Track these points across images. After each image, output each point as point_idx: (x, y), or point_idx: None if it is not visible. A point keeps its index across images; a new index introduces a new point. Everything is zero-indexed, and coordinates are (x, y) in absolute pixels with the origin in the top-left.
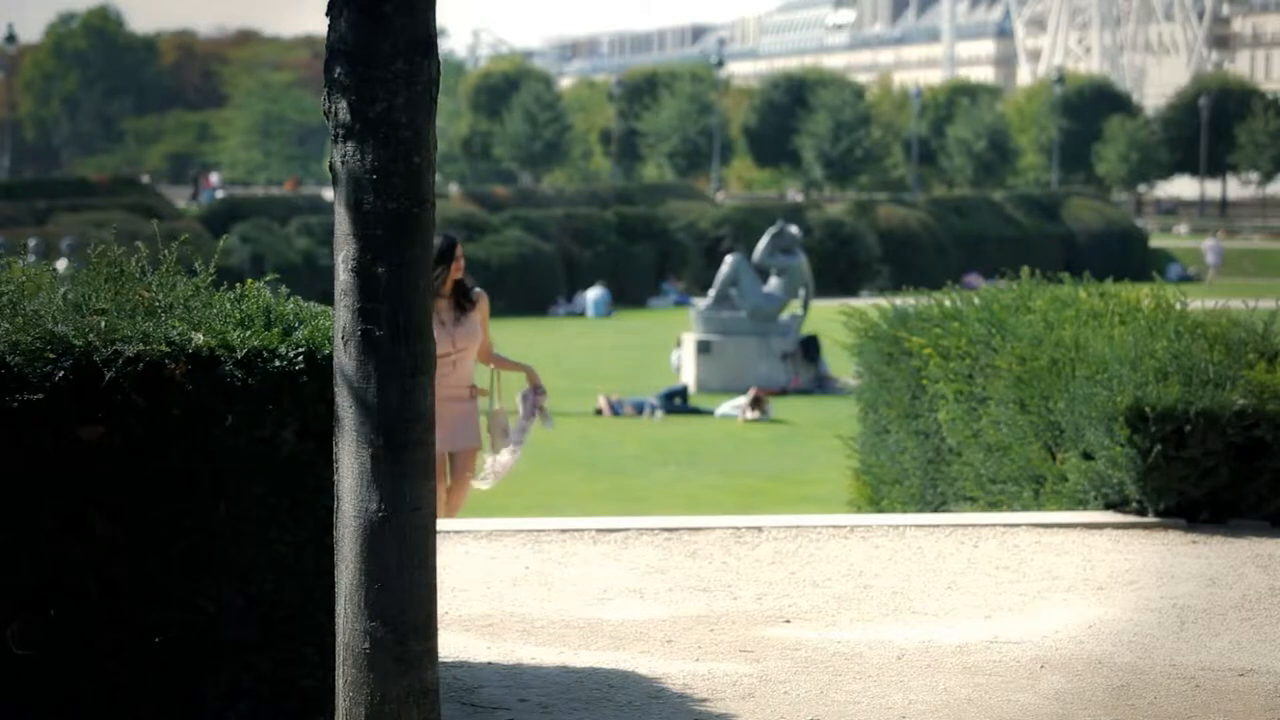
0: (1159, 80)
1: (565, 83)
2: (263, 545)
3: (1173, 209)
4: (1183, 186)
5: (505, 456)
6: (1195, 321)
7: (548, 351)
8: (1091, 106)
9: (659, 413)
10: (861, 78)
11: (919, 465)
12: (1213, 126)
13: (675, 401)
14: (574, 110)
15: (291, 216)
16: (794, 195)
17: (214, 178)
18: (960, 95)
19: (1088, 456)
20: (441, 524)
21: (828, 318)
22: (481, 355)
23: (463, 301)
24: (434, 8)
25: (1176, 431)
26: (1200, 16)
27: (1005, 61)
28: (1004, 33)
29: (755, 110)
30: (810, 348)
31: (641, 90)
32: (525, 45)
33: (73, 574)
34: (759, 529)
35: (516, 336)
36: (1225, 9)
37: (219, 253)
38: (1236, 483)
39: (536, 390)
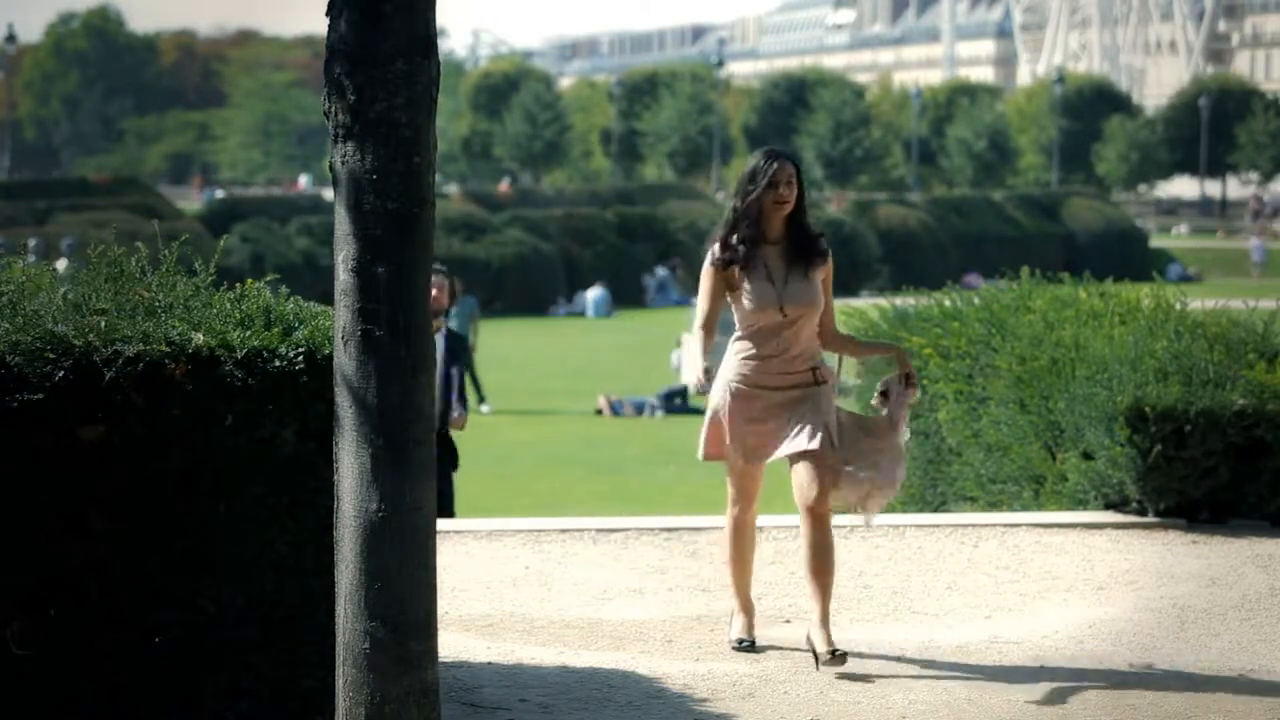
0: (1158, 80)
1: (565, 83)
2: (263, 545)
3: (1173, 209)
4: (1183, 186)
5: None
6: (1195, 321)
7: (548, 352)
8: (1091, 106)
9: (659, 412)
10: (861, 78)
11: (919, 465)
12: (1213, 126)
13: (675, 401)
14: (574, 110)
15: (292, 216)
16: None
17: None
18: (960, 95)
19: (1088, 456)
20: (441, 524)
21: None
22: (824, 330)
23: (805, 251)
24: (434, 8)
25: (1176, 431)
26: (1200, 17)
27: (1005, 61)
28: (1004, 33)
29: (755, 110)
30: None
31: (641, 90)
32: (525, 45)
33: (73, 574)
34: (759, 529)
35: (516, 336)
36: (1222, 17)
37: (219, 253)
38: (1237, 483)
39: (908, 380)
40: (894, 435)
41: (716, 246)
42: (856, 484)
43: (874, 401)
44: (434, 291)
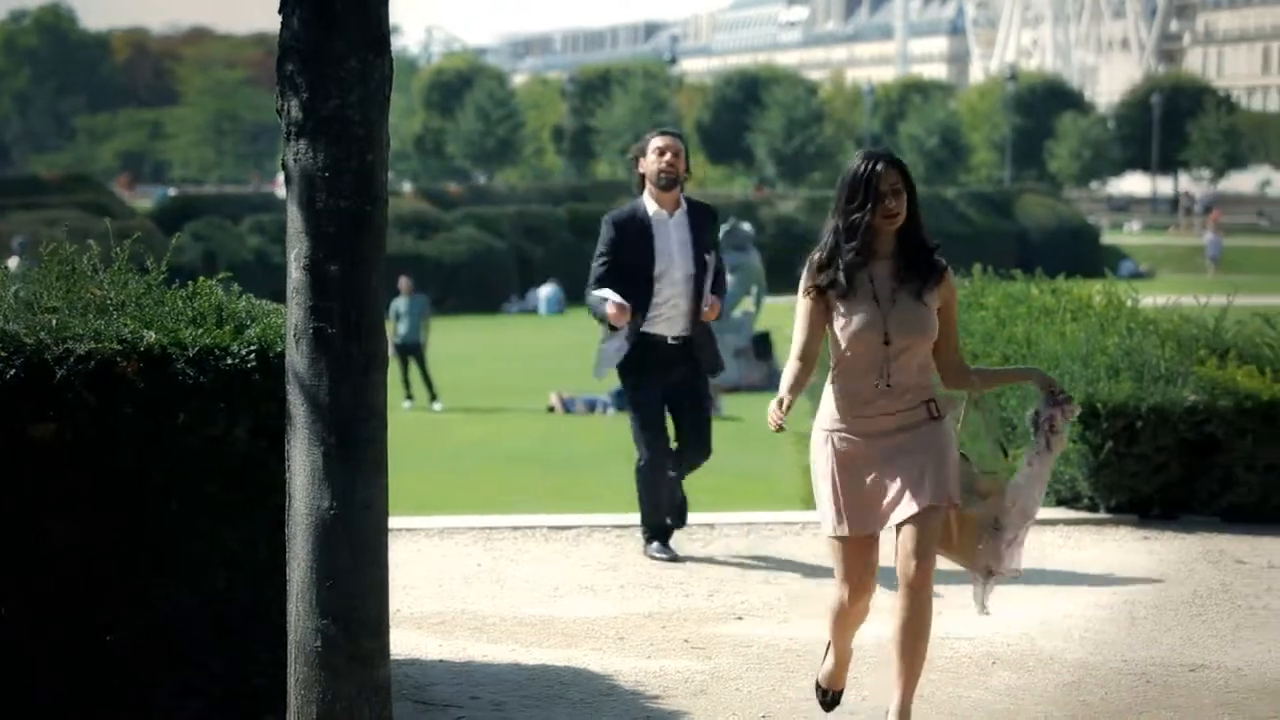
0: (1110, 77)
1: (518, 80)
2: (215, 543)
3: (1125, 206)
4: (1135, 184)
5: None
6: (1147, 318)
7: (500, 349)
8: (1044, 104)
9: (611, 410)
10: (814, 75)
11: None
12: (1165, 124)
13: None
14: (527, 107)
15: (244, 214)
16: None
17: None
18: (913, 92)
19: None
20: (393, 521)
21: (781, 315)
22: (943, 363)
23: (918, 268)
24: (387, 5)
25: (1128, 428)
26: (1152, 15)
27: (958, 59)
28: (957, 30)
29: (708, 107)
30: (763, 345)
31: (594, 87)
32: (478, 43)
33: (24, 572)
34: (711, 526)
35: (469, 334)
36: (1174, 15)
37: (171, 251)
38: (1188, 479)
39: (1057, 397)
40: (1041, 466)
41: (810, 270)
42: (997, 547)
43: (1028, 421)
44: (669, 156)
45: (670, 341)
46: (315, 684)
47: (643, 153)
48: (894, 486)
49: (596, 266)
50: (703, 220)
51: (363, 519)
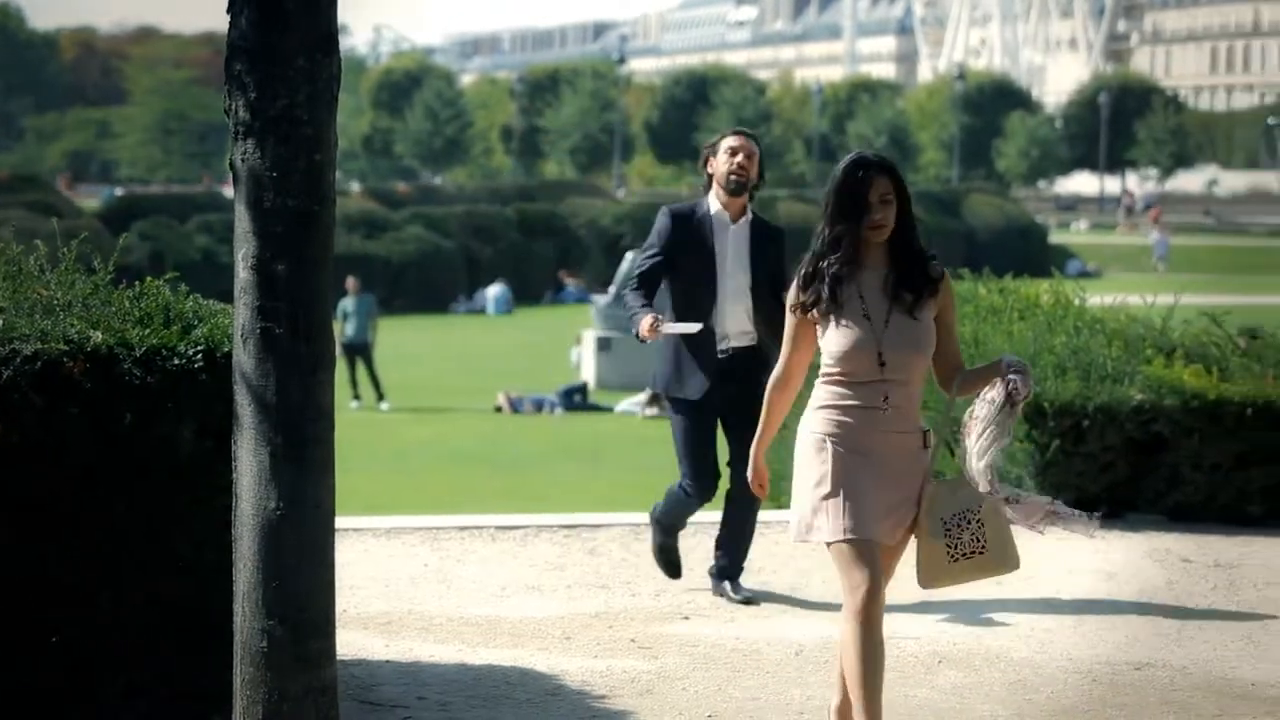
0: (1058, 77)
1: (467, 80)
2: (161, 544)
3: (1072, 205)
4: (1082, 183)
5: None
6: (1094, 317)
7: (448, 349)
8: (992, 103)
9: (559, 410)
10: (763, 74)
11: None
12: (1112, 123)
13: (575, 398)
14: (475, 107)
15: (191, 214)
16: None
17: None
18: (861, 92)
19: None
20: (340, 521)
21: None
22: (942, 368)
23: (911, 280)
24: (335, 5)
25: (1075, 426)
26: (1100, 14)
27: (906, 58)
28: (905, 29)
29: (657, 107)
30: None
31: (543, 87)
32: (427, 42)
33: None
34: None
35: (417, 334)
36: (1122, 16)
37: (118, 251)
38: (1134, 477)
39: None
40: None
41: (795, 285)
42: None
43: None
44: (741, 158)
45: (718, 355)
46: (261, 684)
47: (714, 151)
48: (887, 506)
49: (644, 259)
50: (765, 237)
51: (309, 519)
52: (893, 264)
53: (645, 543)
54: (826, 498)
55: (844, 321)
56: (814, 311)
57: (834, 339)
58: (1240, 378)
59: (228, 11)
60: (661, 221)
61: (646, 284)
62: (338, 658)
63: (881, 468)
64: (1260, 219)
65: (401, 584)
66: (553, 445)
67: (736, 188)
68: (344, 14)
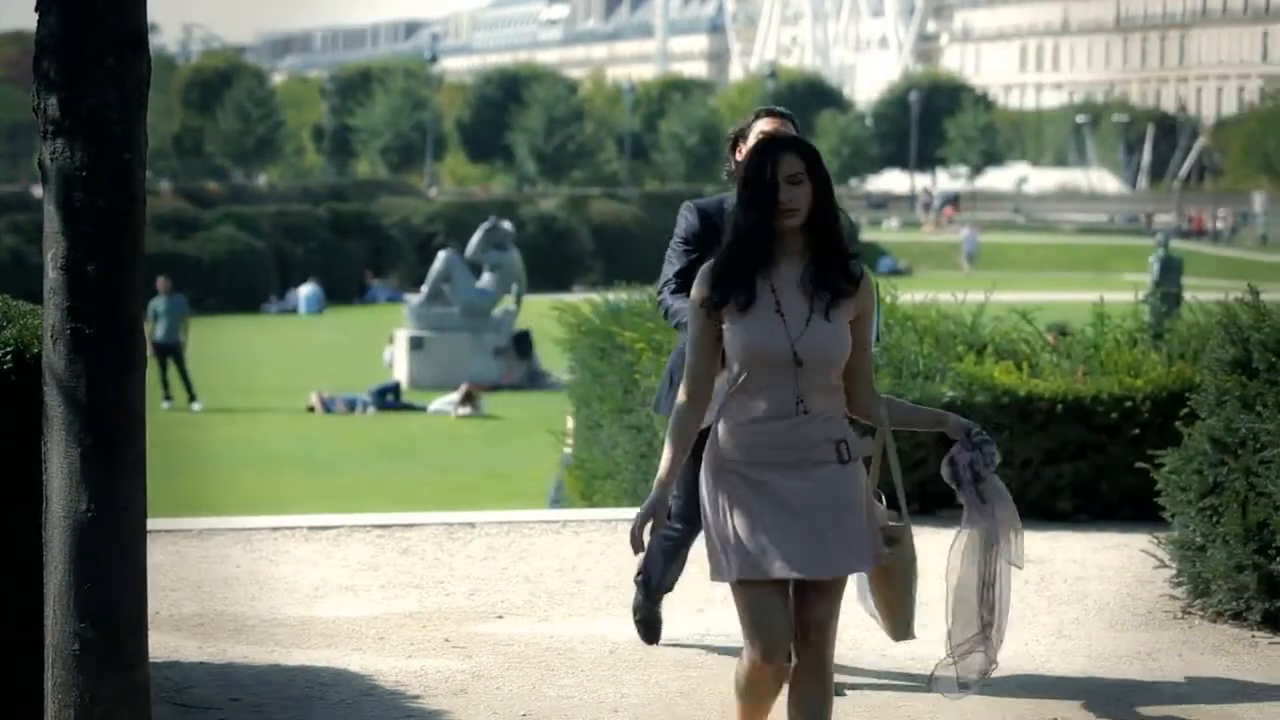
0: (869, 76)
1: (278, 79)
2: None
3: (883, 203)
4: (893, 181)
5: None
6: (905, 315)
7: (260, 349)
8: (803, 101)
9: (371, 409)
10: (575, 73)
11: (631, 460)
12: (923, 122)
13: (388, 398)
14: (286, 106)
15: None
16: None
17: None
18: (673, 90)
19: None
20: (152, 523)
21: (540, 313)
22: (852, 386)
23: (827, 275)
24: (144, 3)
25: None
26: (910, 14)
27: (718, 56)
28: (717, 28)
29: (469, 106)
30: (523, 343)
31: (354, 86)
32: (237, 41)
33: None
34: (471, 525)
35: (228, 334)
36: (932, 15)
37: None
38: None
39: (973, 439)
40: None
41: (701, 279)
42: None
43: (945, 476)
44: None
45: None
46: (73, 687)
47: (743, 136)
48: (797, 539)
49: (678, 256)
50: None
51: (121, 520)
52: (811, 255)
53: (458, 542)
54: (723, 532)
55: (754, 320)
56: (722, 310)
57: (742, 339)
58: (1050, 374)
59: (37, 9)
60: (689, 219)
61: (688, 286)
62: (151, 660)
63: (792, 492)
64: (1069, 216)
65: (215, 585)
66: (365, 445)
67: None
68: (154, 12)
